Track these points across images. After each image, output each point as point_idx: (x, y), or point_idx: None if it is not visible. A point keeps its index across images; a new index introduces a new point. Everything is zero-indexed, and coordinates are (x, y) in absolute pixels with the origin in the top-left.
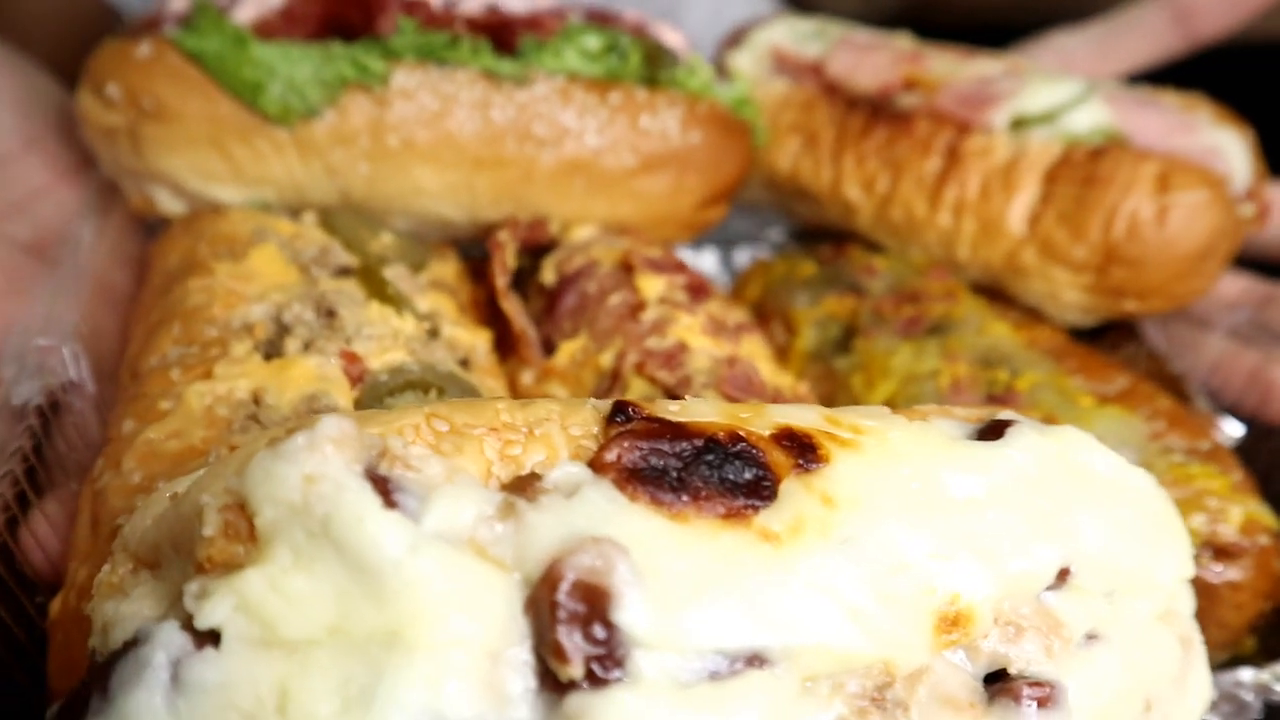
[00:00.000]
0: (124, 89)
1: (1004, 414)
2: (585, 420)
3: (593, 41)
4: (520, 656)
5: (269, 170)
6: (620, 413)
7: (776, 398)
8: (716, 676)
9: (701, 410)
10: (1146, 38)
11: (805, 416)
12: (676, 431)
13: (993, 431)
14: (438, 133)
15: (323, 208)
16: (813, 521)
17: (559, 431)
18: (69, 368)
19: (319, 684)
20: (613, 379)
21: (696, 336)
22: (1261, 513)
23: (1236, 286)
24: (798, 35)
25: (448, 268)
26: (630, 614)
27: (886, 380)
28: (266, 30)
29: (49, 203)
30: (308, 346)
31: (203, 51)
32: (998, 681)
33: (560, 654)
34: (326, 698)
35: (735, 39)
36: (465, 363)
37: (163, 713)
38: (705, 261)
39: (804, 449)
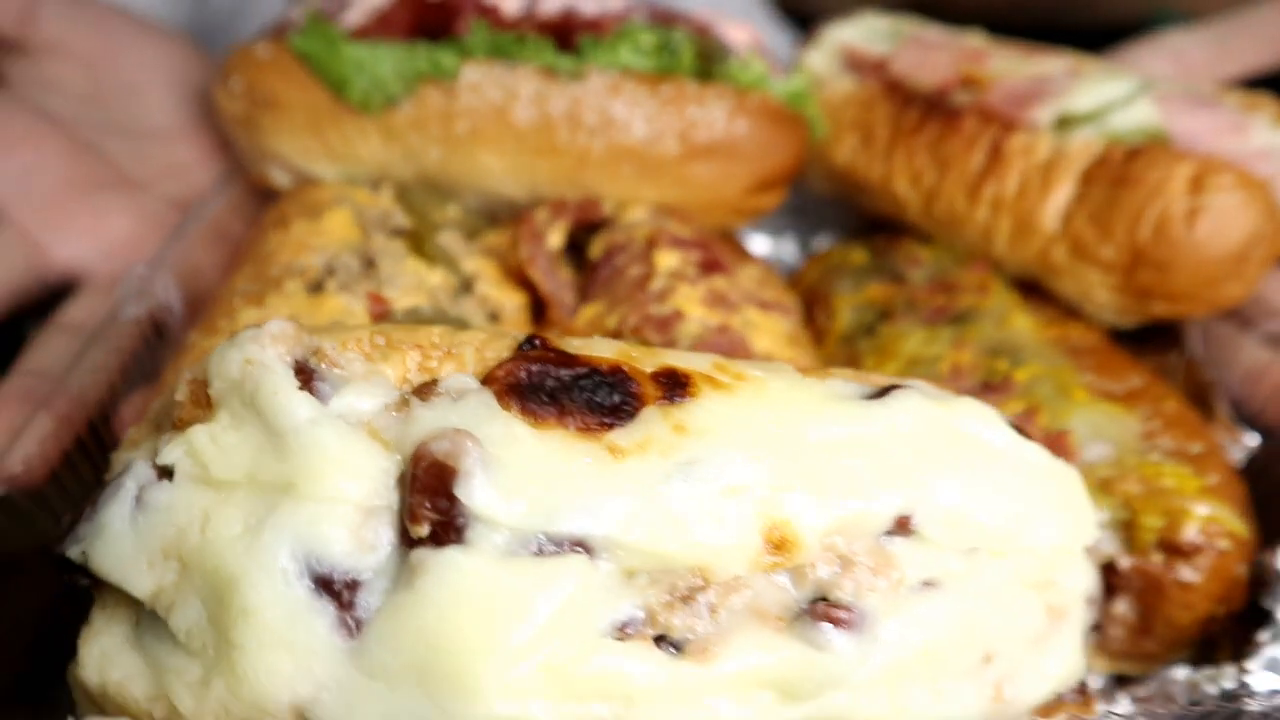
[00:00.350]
0: (245, 83)
1: (904, 382)
2: (501, 347)
3: (646, 39)
4: (387, 517)
5: (357, 151)
6: (529, 342)
7: None
8: (541, 553)
9: (602, 348)
10: (1265, 39)
11: (695, 361)
12: (566, 360)
13: (880, 394)
14: (500, 122)
15: (402, 183)
16: (659, 443)
17: (473, 353)
18: (164, 294)
19: (232, 513)
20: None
21: (694, 306)
22: (1227, 517)
23: None
24: (871, 33)
25: (504, 238)
26: (472, 492)
27: (893, 362)
28: (365, 33)
29: (199, 172)
30: (344, 288)
31: (305, 51)
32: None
33: (414, 516)
34: (235, 523)
35: (813, 37)
36: (495, 317)
37: (126, 522)
38: (785, 248)
39: (676, 385)
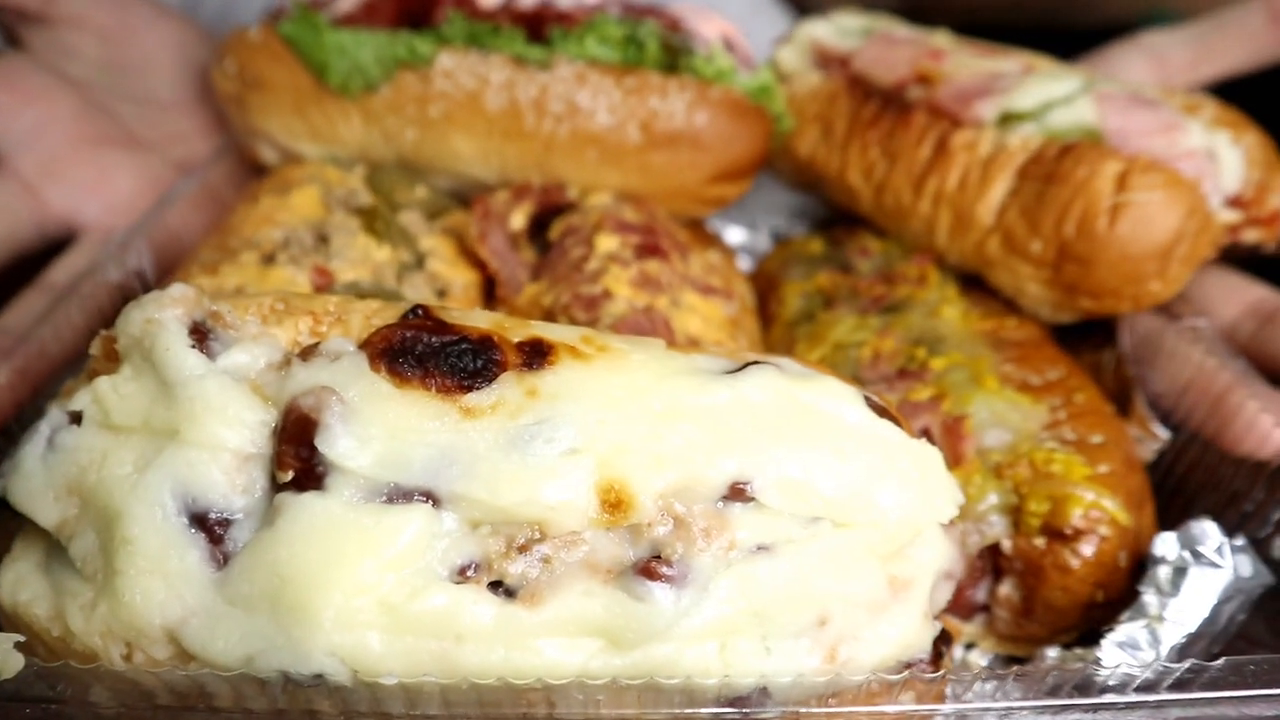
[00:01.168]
0: (237, 64)
1: (768, 359)
2: (389, 315)
3: (614, 32)
4: (262, 464)
5: (338, 132)
6: (413, 312)
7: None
8: (390, 501)
9: (478, 319)
10: (1243, 39)
11: (562, 333)
12: (441, 328)
13: (739, 370)
14: (471, 107)
15: (376, 164)
16: (509, 405)
17: (362, 320)
18: (138, 259)
19: (125, 455)
20: (547, 318)
21: (622, 287)
22: (1109, 505)
23: (1247, 296)
24: (841, 31)
25: (465, 219)
26: (332, 442)
27: (820, 347)
28: (351, 20)
29: (200, 141)
30: (293, 261)
31: (291, 36)
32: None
33: (280, 463)
34: (126, 464)
35: (787, 35)
36: (443, 294)
37: (38, 460)
38: (760, 240)
39: (537, 354)
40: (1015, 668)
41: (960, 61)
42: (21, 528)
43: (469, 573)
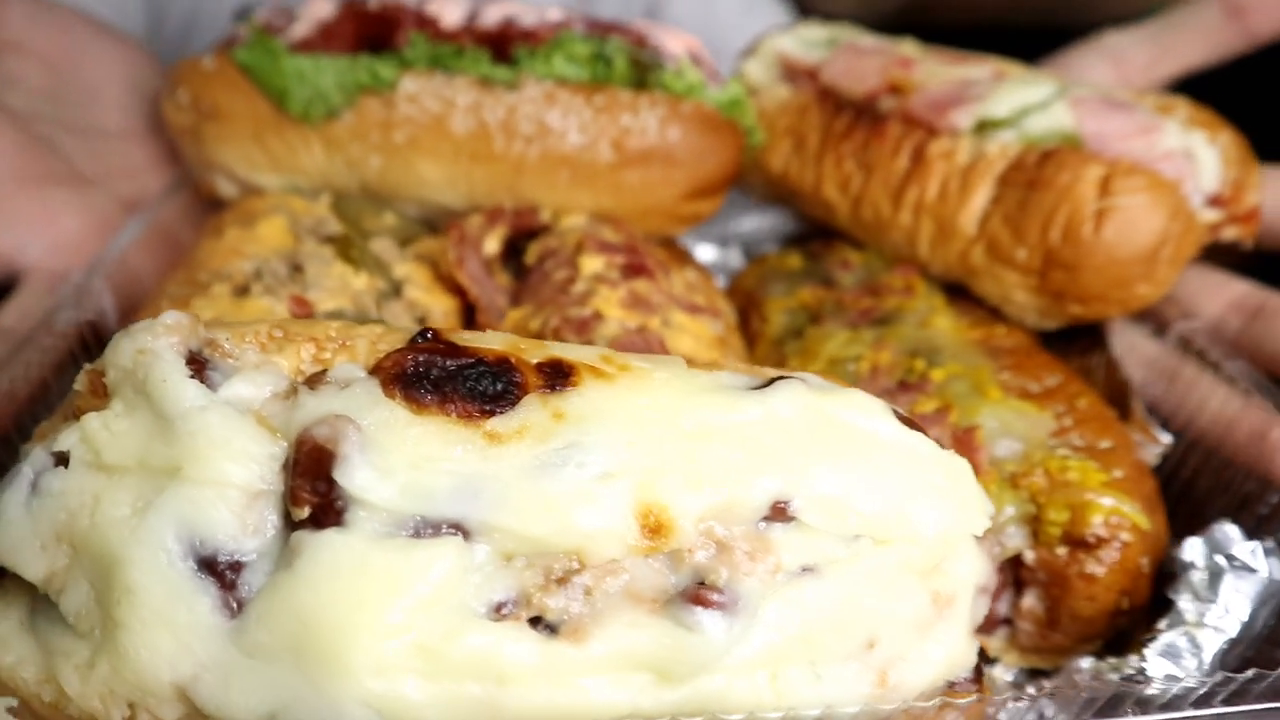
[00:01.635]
0: (190, 94)
1: (793, 375)
2: (395, 340)
3: (581, 49)
4: (273, 501)
5: (300, 161)
6: (422, 335)
7: None
8: (417, 535)
9: (492, 340)
10: (1201, 36)
11: (581, 353)
12: (454, 351)
13: (765, 385)
14: (437, 131)
15: (341, 192)
16: (535, 429)
17: (367, 345)
18: (99, 300)
19: (121, 496)
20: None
21: (613, 308)
22: (1129, 511)
23: (1230, 293)
24: (806, 43)
25: (437, 245)
26: (350, 475)
27: (815, 363)
28: (309, 45)
29: (151, 174)
30: (268, 291)
31: (248, 63)
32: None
33: (295, 499)
34: (123, 506)
35: (751, 48)
36: (422, 321)
37: (21, 507)
38: (731, 256)
39: (559, 375)
40: (1064, 682)
41: (930, 70)
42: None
43: (506, 609)
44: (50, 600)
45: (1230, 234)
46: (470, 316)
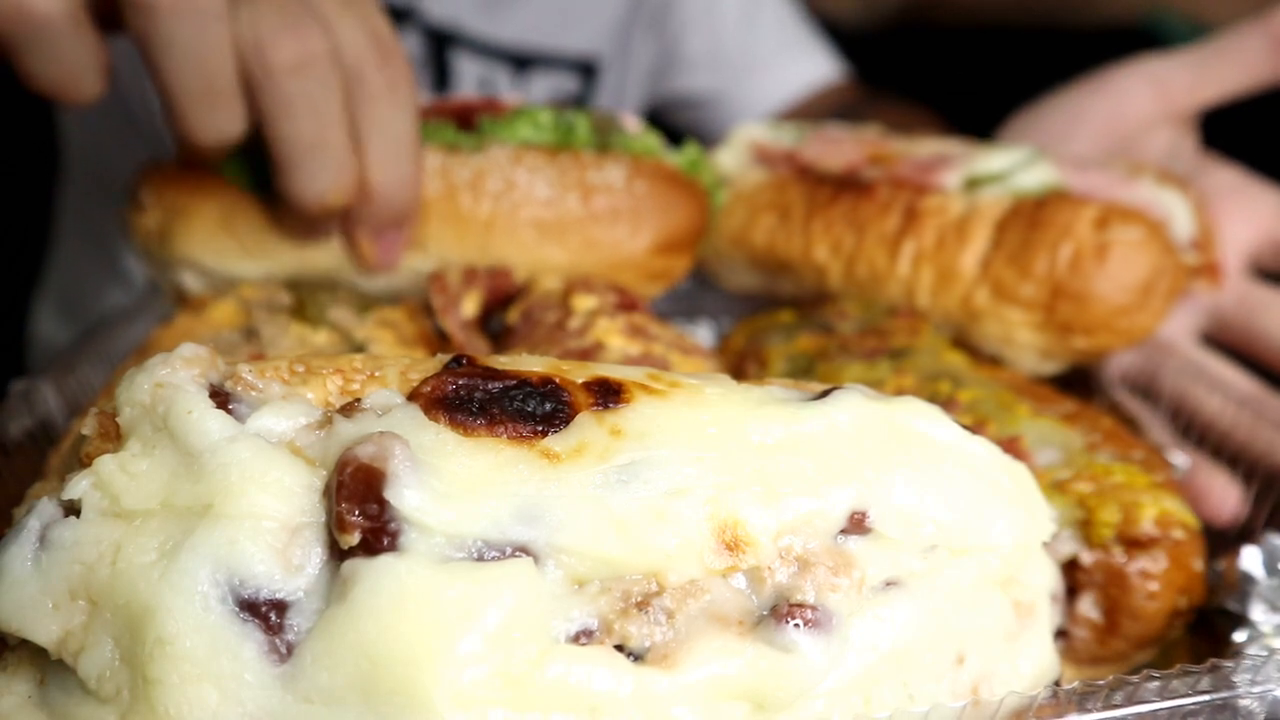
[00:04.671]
0: (154, 193)
1: (842, 385)
2: (427, 368)
3: (545, 117)
4: (315, 534)
5: (271, 245)
6: (455, 362)
7: None
8: (481, 559)
9: (531, 363)
10: (1242, 64)
11: (626, 371)
12: (495, 375)
13: (819, 396)
14: None
15: (314, 272)
16: (595, 447)
17: (397, 375)
18: (47, 405)
19: (145, 541)
20: None
21: (614, 337)
22: (1179, 510)
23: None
24: (775, 132)
25: (397, 313)
26: (403, 495)
27: None
28: None
29: None
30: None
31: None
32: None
33: (342, 525)
34: (149, 552)
35: (724, 140)
36: None
37: (29, 564)
38: (701, 334)
39: (609, 392)
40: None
41: (904, 145)
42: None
43: (587, 636)
44: (64, 666)
45: (1201, 285)
46: None
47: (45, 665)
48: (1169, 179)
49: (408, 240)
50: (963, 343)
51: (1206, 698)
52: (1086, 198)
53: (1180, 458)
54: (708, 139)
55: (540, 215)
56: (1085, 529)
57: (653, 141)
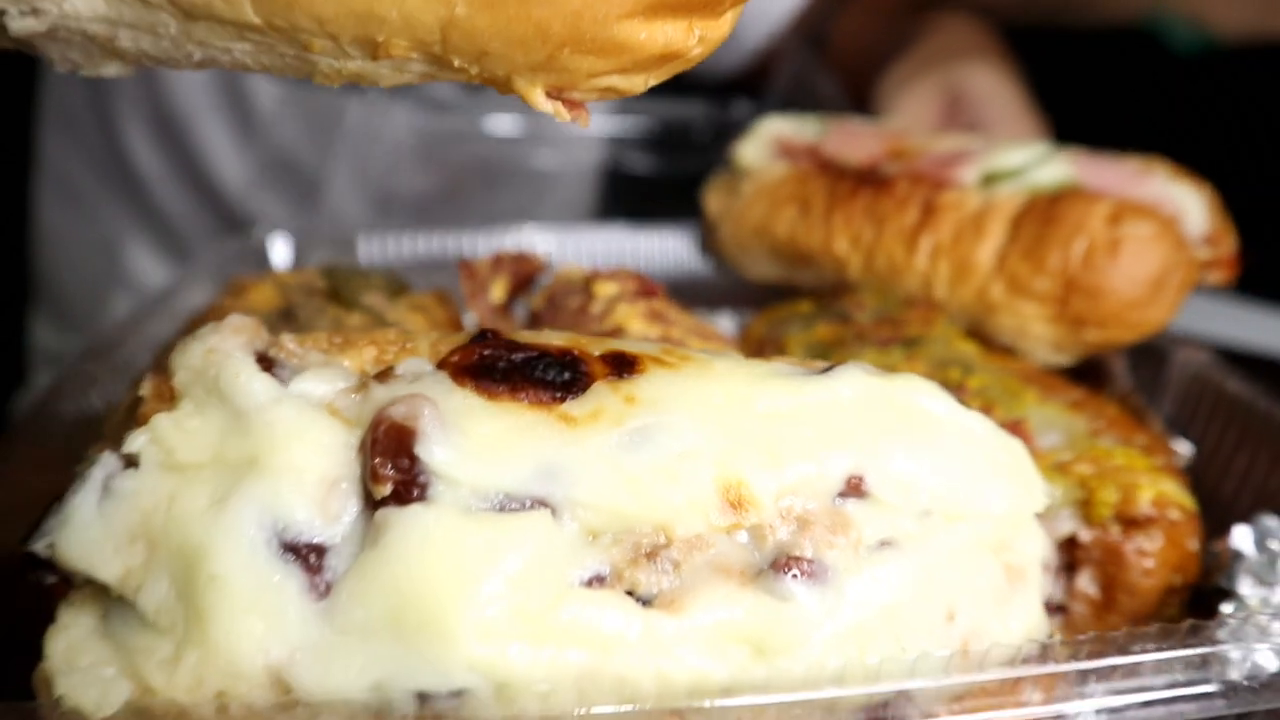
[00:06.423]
0: None
1: (846, 363)
2: (455, 341)
3: None
4: (351, 487)
5: None
6: (482, 335)
7: None
8: (503, 509)
9: (552, 338)
10: None
11: (641, 345)
12: (518, 346)
13: (824, 371)
14: None
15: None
16: (610, 412)
17: (428, 346)
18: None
19: (198, 490)
20: None
21: (635, 321)
22: (1176, 492)
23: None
24: (797, 126)
25: (427, 298)
26: (432, 451)
27: None
28: None
29: None
30: None
31: None
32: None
33: (375, 478)
34: (201, 499)
35: (747, 132)
36: None
37: (93, 510)
38: (723, 323)
39: (624, 364)
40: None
41: (924, 139)
42: (65, 596)
43: (600, 582)
44: (124, 604)
45: (1214, 277)
46: None
47: (107, 602)
48: (1182, 175)
49: None
50: (978, 334)
51: (1186, 651)
52: (1100, 194)
53: (1184, 445)
54: None
55: None
56: (1085, 508)
57: None
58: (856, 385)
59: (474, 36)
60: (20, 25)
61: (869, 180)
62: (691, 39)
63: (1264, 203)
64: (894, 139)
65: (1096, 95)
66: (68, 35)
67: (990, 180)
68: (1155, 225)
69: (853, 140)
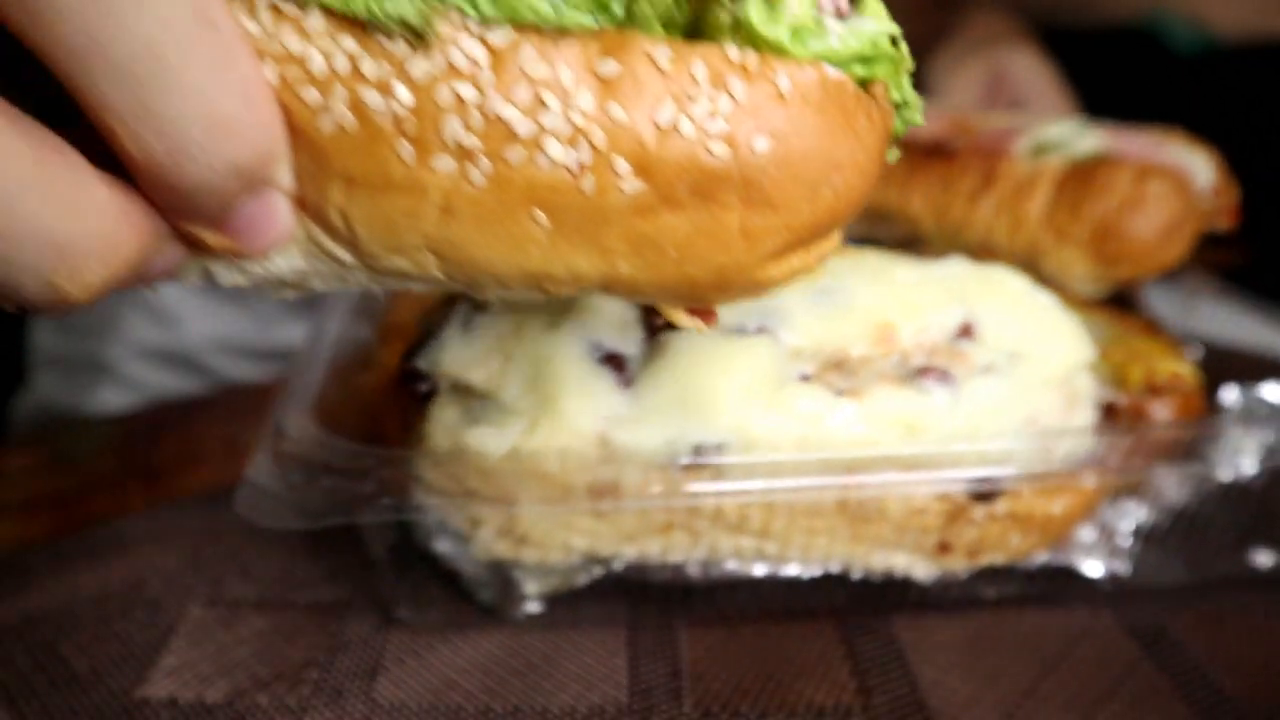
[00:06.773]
0: None
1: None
2: None
3: None
4: (636, 321)
5: None
6: None
7: None
8: (742, 332)
9: None
10: None
11: None
12: None
13: (937, 260)
14: None
15: None
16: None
17: None
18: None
19: (536, 322)
20: None
21: None
22: (1188, 370)
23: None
24: None
25: None
26: None
27: None
28: None
29: None
30: None
31: None
32: None
33: (653, 314)
34: (541, 325)
35: None
36: None
37: (459, 336)
38: None
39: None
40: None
41: (983, 116)
42: (433, 399)
43: (805, 380)
44: (482, 401)
45: (1220, 223)
46: None
47: (467, 403)
48: (1194, 142)
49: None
50: (1030, 273)
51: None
52: (1126, 159)
53: (1196, 349)
54: None
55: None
56: (1119, 383)
57: (807, 14)
58: (963, 267)
59: (633, 288)
60: (226, 280)
61: (939, 152)
62: (812, 260)
63: (1264, 202)
64: (958, 118)
65: (1096, 95)
66: (263, 284)
67: (1039, 151)
68: (1171, 183)
69: (927, 119)
